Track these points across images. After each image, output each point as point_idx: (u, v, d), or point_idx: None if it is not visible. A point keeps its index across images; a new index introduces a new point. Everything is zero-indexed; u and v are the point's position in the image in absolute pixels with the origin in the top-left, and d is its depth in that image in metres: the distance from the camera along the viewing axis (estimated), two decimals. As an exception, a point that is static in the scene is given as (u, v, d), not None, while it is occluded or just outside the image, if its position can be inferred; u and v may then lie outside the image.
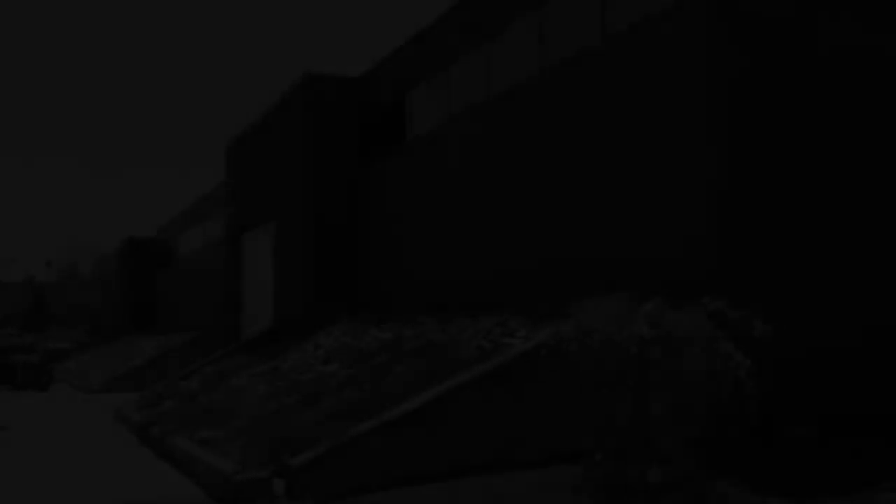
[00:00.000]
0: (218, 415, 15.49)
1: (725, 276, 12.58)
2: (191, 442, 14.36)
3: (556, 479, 9.81)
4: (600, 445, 8.37)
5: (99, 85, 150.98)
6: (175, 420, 16.30)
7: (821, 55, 13.65)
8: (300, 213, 25.24)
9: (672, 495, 8.28)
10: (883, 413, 12.77)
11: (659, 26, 13.91)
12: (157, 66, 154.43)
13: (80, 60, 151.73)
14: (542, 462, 10.71)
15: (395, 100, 23.49)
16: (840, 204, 13.30)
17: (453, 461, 10.92)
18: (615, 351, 8.61)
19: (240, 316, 31.68)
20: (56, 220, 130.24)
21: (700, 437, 8.15)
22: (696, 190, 12.94)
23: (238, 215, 32.11)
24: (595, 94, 15.42)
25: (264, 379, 18.16)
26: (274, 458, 11.28)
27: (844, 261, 13.05)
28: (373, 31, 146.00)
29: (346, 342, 18.85)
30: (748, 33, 13.17)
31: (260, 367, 19.91)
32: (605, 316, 9.03)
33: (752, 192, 12.93)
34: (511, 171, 17.98)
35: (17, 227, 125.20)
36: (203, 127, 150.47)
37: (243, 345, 23.77)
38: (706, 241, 12.69)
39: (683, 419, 8.25)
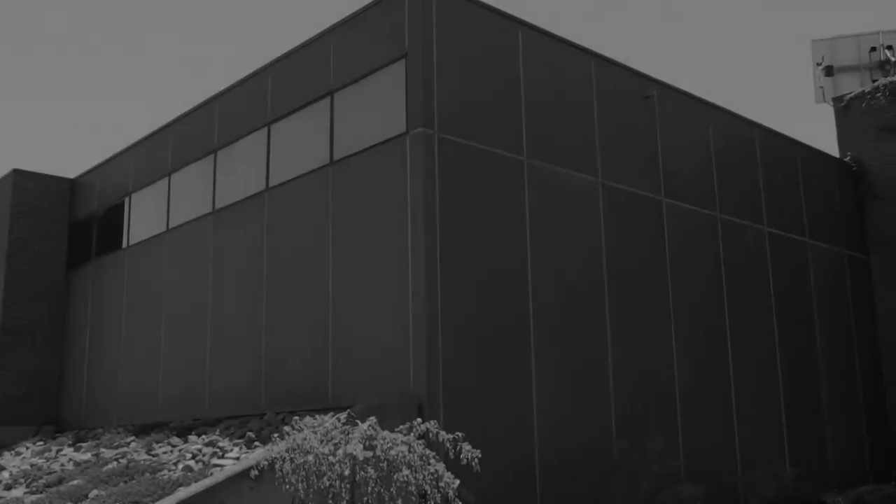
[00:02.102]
0: None
1: (436, 398, 12.95)
2: None
3: None
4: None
5: None
6: None
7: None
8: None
9: None
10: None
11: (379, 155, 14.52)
12: None
13: None
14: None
15: (115, 202, 22.39)
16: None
17: None
18: (329, 472, 8.47)
19: None
20: None
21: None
22: (408, 316, 13.36)
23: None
24: (316, 210, 15.65)
25: (-70, 508, 15.87)
26: None
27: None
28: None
29: (35, 463, 17.08)
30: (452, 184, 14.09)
31: (-73, 493, 17.43)
32: (321, 435, 8.90)
33: (453, 320, 13.61)
34: (225, 283, 17.59)
35: None
36: None
37: None
38: (419, 363, 13.04)
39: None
